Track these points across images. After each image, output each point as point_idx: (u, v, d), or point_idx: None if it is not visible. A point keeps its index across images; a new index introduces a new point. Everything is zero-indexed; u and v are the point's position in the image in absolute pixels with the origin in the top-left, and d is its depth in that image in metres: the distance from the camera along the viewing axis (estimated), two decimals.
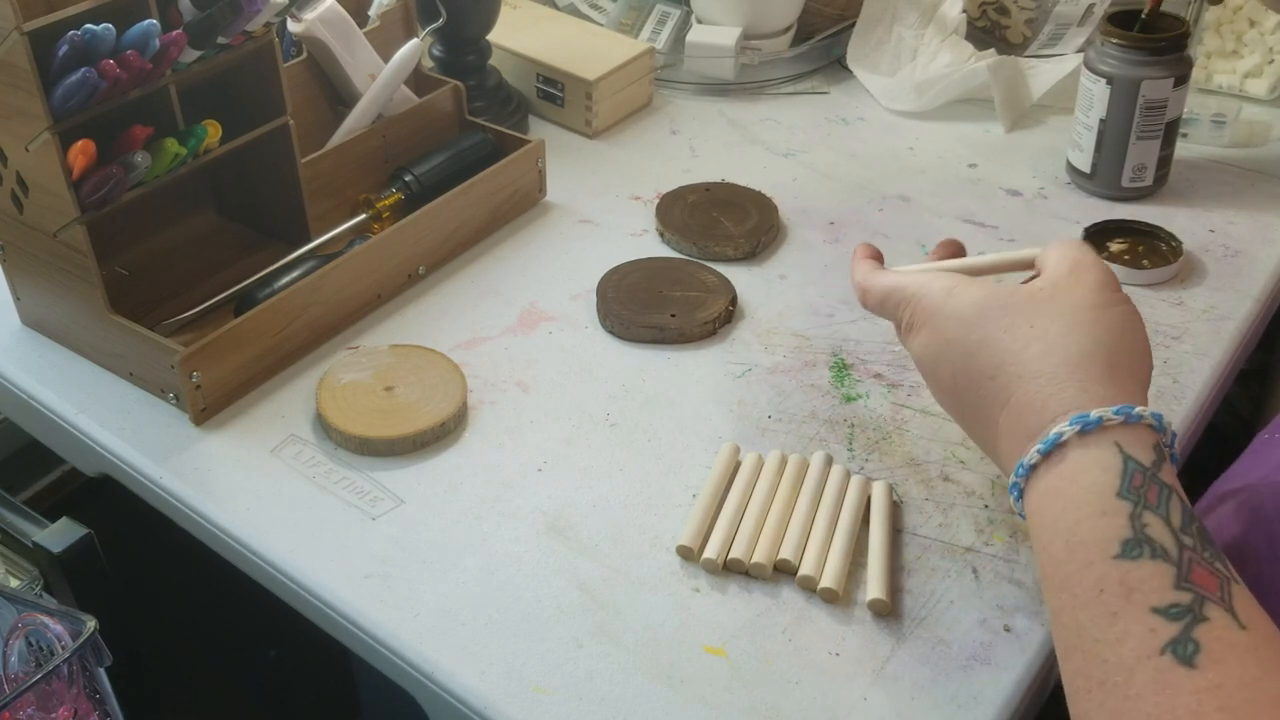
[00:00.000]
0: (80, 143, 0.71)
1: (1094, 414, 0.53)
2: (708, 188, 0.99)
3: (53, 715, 0.59)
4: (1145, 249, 0.91)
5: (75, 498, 1.27)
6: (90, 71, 0.68)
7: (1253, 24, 1.11)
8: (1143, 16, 0.93)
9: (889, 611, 0.65)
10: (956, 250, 0.69)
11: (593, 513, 0.71)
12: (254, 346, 0.79)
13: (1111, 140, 0.96)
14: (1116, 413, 0.52)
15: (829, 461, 0.73)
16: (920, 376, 0.65)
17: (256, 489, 0.73)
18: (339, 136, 0.95)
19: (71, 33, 0.68)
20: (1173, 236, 0.91)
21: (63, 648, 0.60)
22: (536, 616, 0.65)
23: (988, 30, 1.21)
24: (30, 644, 0.62)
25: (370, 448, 0.75)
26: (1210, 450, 0.83)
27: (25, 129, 0.71)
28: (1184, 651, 0.46)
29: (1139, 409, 0.53)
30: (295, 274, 0.84)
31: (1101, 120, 0.95)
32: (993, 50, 1.13)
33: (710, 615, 0.65)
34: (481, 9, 1.04)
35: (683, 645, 0.63)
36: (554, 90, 1.10)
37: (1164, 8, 0.95)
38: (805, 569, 0.66)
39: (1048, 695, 0.64)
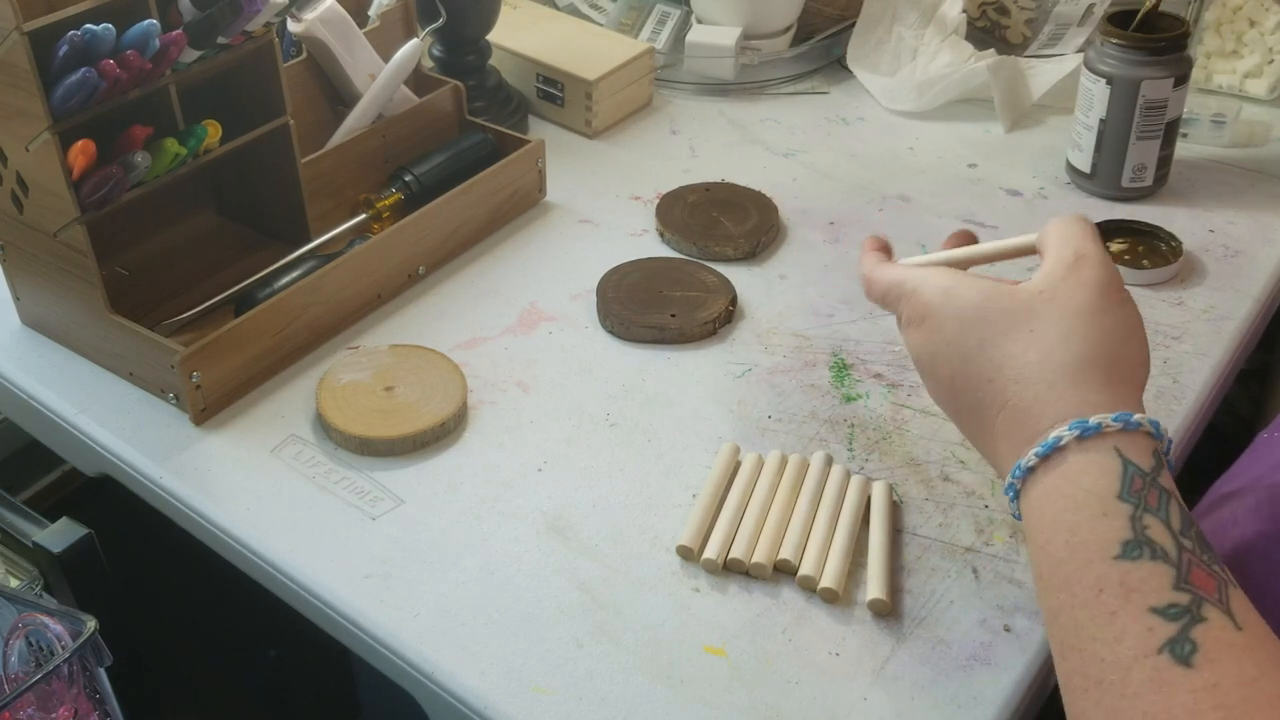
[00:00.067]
0: (80, 143, 0.71)
1: (1093, 420, 0.53)
2: (708, 188, 0.99)
3: (53, 715, 0.59)
4: (1145, 249, 0.91)
5: (75, 498, 1.27)
6: (90, 71, 0.68)
7: (1253, 24, 1.11)
8: (1140, 14, 0.93)
9: (889, 611, 0.65)
10: (967, 240, 0.69)
11: (593, 513, 0.71)
12: (254, 346, 0.79)
13: (1111, 140, 0.96)
14: (1115, 419, 0.53)
15: (829, 461, 0.73)
16: (919, 376, 0.65)
17: (256, 489, 0.73)
18: (339, 136, 0.95)
19: (71, 33, 0.68)
20: (1173, 236, 0.91)
21: (63, 648, 0.60)
22: (536, 616, 0.65)
23: (988, 30, 1.21)
24: (30, 644, 0.62)
25: (370, 448, 0.75)
26: (1210, 450, 0.83)
27: (25, 129, 0.71)
28: (1181, 651, 0.46)
29: (1138, 416, 0.53)
30: (295, 274, 0.84)
31: (1101, 120, 0.95)
32: (993, 50, 1.13)
33: (710, 615, 0.65)
34: (481, 9, 1.04)
35: (683, 645, 0.63)
36: (554, 90, 1.10)
37: (1164, 8, 0.95)
38: (805, 569, 0.66)
39: (1048, 695, 0.64)
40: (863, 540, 0.69)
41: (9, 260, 0.82)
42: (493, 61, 1.08)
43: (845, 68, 1.18)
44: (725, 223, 0.94)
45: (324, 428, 0.76)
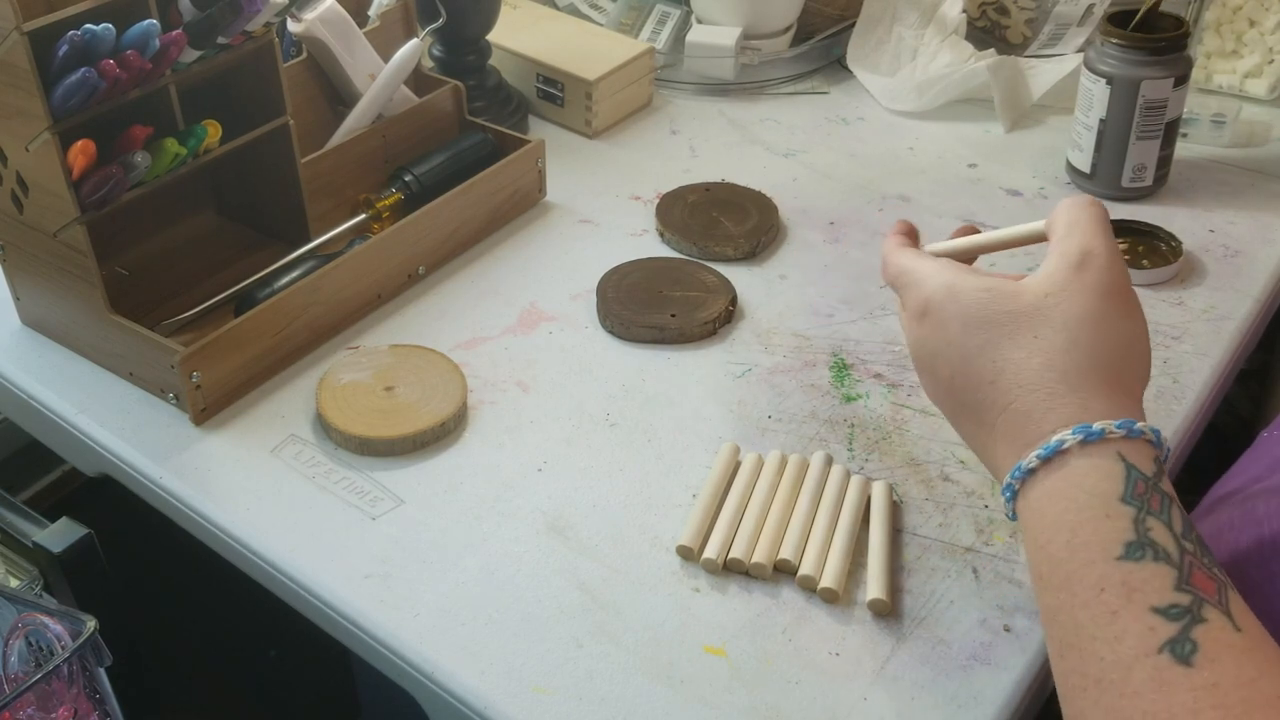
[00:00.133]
0: (80, 143, 0.71)
1: (1097, 425, 0.53)
2: (708, 188, 0.99)
3: (53, 715, 0.59)
4: (1145, 249, 0.91)
5: (75, 498, 1.27)
6: (90, 71, 0.68)
7: (1253, 24, 1.11)
8: (1140, 14, 0.93)
9: (889, 611, 0.65)
10: (970, 233, 0.69)
11: (593, 513, 0.71)
12: (254, 346, 0.79)
13: (1111, 140, 0.96)
14: (1119, 426, 0.53)
15: (829, 461, 0.73)
16: (916, 370, 0.65)
17: (256, 489, 0.73)
18: (339, 136, 0.95)
19: (71, 33, 0.68)
20: (1173, 236, 0.91)
21: (63, 648, 0.60)
22: (536, 616, 0.65)
23: (988, 30, 1.21)
24: (30, 644, 0.62)
25: (370, 448, 0.75)
26: (1210, 450, 0.83)
27: (25, 129, 0.71)
28: (1182, 650, 0.46)
29: (1140, 424, 0.53)
30: (295, 274, 0.84)
31: (1101, 120, 0.95)
32: (993, 50, 1.13)
33: (710, 615, 0.65)
34: (481, 9, 1.04)
35: (683, 645, 0.63)
36: (554, 90, 1.10)
37: (1164, 8, 0.95)
38: (805, 569, 0.66)
39: (1048, 695, 0.64)
40: (863, 540, 0.69)
41: (9, 260, 0.82)
42: (493, 61, 1.08)
43: (845, 68, 1.18)
44: (725, 223, 0.94)
45: (324, 428, 0.76)
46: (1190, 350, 0.83)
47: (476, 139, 0.98)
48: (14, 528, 0.77)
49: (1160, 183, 0.99)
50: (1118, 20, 0.95)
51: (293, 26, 0.92)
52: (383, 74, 0.95)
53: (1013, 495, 0.56)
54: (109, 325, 0.78)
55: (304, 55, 0.94)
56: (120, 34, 0.70)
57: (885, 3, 1.17)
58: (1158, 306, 0.87)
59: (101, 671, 0.61)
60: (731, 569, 0.67)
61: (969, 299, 0.59)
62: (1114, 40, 0.93)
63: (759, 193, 0.98)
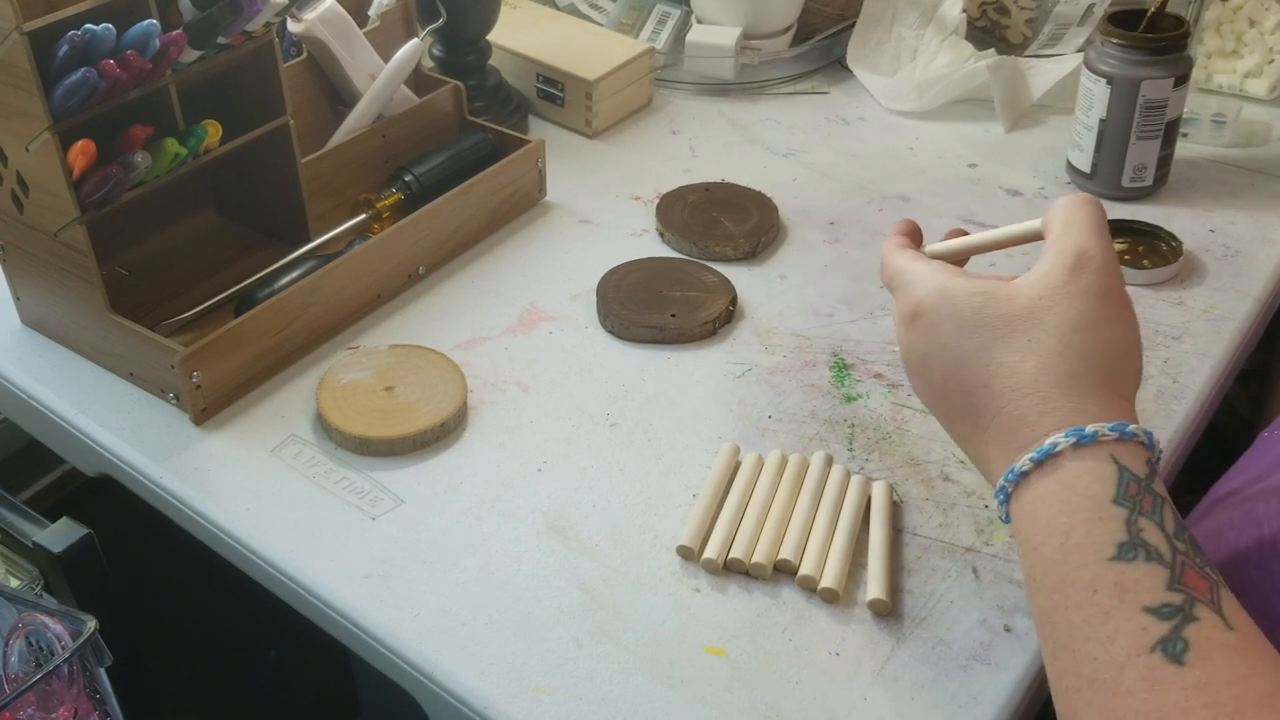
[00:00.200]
0: (80, 143, 0.71)
1: (1090, 429, 0.53)
2: (708, 188, 0.99)
3: (53, 715, 0.59)
4: (1145, 249, 0.91)
5: (75, 498, 1.27)
6: (90, 71, 0.68)
7: (1253, 24, 1.11)
8: (1149, 13, 0.93)
9: (889, 611, 0.65)
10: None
11: (593, 513, 0.71)
12: (254, 346, 0.79)
13: (1111, 140, 0.96)
14: (1112, 429, 0.53)
15: (829, 461, 0.73)
16: (906, 372, 0.65)
17: (256, 489, 0.73)
18: (339, 136, 0.95)
19: (71, 33, 0.68)
20: (1173, 236, 0.91)
21: (63, 648, 0.60)
22: (536, 616, 0.65)
23: (988, 30, 1.21)
24: (30, 644, 0.62)
25: (370, 448, 0.75)
26: (1210, 450, 0.83)
27: (25, 129, 0.71)
28: (1174, 649, 0.46)
29: (1132, 427, 0.54)
30: (295, 274, 0.84)
31: (1101, 120, 0.95)
32: (993, 50, 1.13)
33: (710, 615, 0.65)
34: (481, 9, 1.04)
35: (683, 645, 0.63)
36: (554, 90, 1.10)
37: (1163, 8, 0.95)
38: (805, 569, 0.66)
39: (1047, 695, 0.63)
40: (863, 540, 0.69)
41: (9, 260, 0.82)
42: (493, 61, 1.08)
43: (845, 68, 1.18)
44: (725, 223, 0.94)
45: (324, 428, 0.76)
46: (1190, 350, 0.83)
47: (476, 139, 0.98)
48: (14, 528, 0.77)
49: (1160, 183, 0.99)
50: (1118, 20, 0.95)
51: (293, 26, 0.92)
52: (383, 74, 0.95)
53: (1006, 498, 0.56)
54: (109, 325, 0.78)
55: (304, 55, 0.94)
56: (120, 34, 0.70)
57: (885, 3, 1.17)
58: (1158, 306, 0.87)
59: (101, 671, 0.61)
60: (731, 569, 0.67)
61: (962, 302, 0.59)
62: (1114, 40, 0.93)
63: (759, 193, 0.98)
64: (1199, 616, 0.47)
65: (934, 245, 0.67)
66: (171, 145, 0.76)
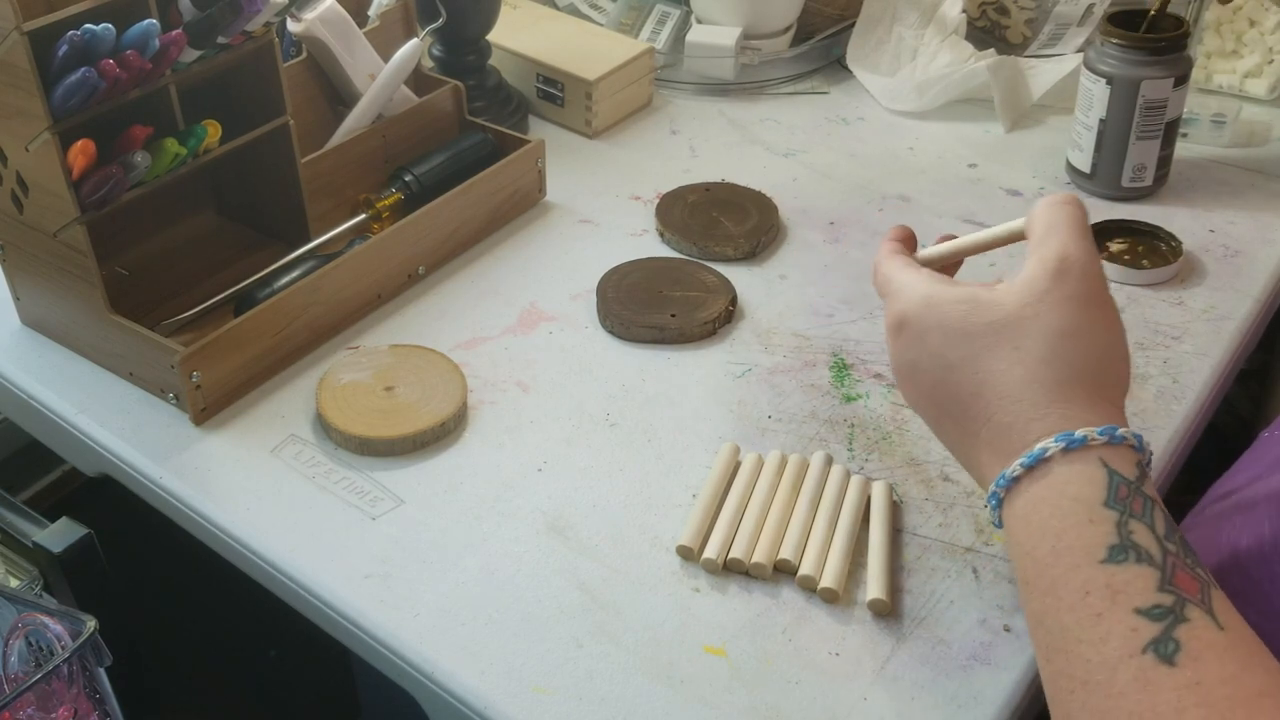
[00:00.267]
0: (80, 143, 0.71)
1: (1079, 433, 0.54)
2: (708, 188, 0.99)
3: (53, 715, 0.59)
4: (1145, 249, 0.91)
5: (75, 498, 1.27)
6: (90, 71, 0.68)
7: (1253, 24, 1.11)
8: (1150, 14, 0.93)
9: (889, 611, 0.65)
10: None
11: (593, 513, 0.71)
12: (254, 346, 0.79)
13: (1111, 140, 0.96)
14: (1101, 433, 0.54)
15: (829, 461, 0.73)
16: (896, 380, 0.65)
17: (256, 489, 0.73)
18: (339, 136, 0.95)
19: (71, 33, 0.68)
20: (1173, 236, 0.91)
21: (63, 648, 0.60)
22: (536, 616, 0.65)
23: (988, 30, 1.21)
24: (30, 644, 0.62)
25: (370, 448, 0.75)
26: (1210, 450, 0.83)
27: (25, 129, 0.71)
28: (1165, 650, 0.47)
29: (1122, 430, 0.54)
30: (295, 274, 0.84)
31: (1101, 120, 0.95)
32: (993, 50, 1.13)
33: (710, 615, 0.65)
34: (481, 9, 1.04)
35: (683, 645, 0.63)
36: (554, 90, 1.10)
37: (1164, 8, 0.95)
38: (805, 569, 0.66)
39: None
40: (863, 540, 0.69)
41: (9, 260, 0.82)
42: (493, 61, 1.08)
43: (845, 68, 1.18)
44: (725, 223, 0.94)
45: (324, 428, 0.76)
46: (1190, 350, 0.83)
47: (476, 139, 0.98)
48: (14, 528, 0.77)
49: (1160, 183, 0.99)
50: (1118, 20, 0.95)
51: (293, 26, 0.92)
52: (383, 74, 0.95)
53: (998, 503, 0.57)
54: (109, 325, 0.78)
55: (304, 55, 0.94)
56: (120, 34, 0.70)
57: (885, 3, 1.17)
58: (1158, 306, 0.87)
59: (101, 671, 0.61)
60: (731, 569, 0.67)
61: (947, 311, 0.59)
62: (1114, 40, 0.93)
63: (759, 193, 0.98)
64: (1190, 617, 0.48)
65: (925, 250, 0.67)
66: (171, 145, 0.76)
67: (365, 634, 0.65)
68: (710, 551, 0.67)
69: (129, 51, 0.70)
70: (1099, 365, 0.57)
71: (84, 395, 0.80)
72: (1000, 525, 0.57)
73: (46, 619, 0.61)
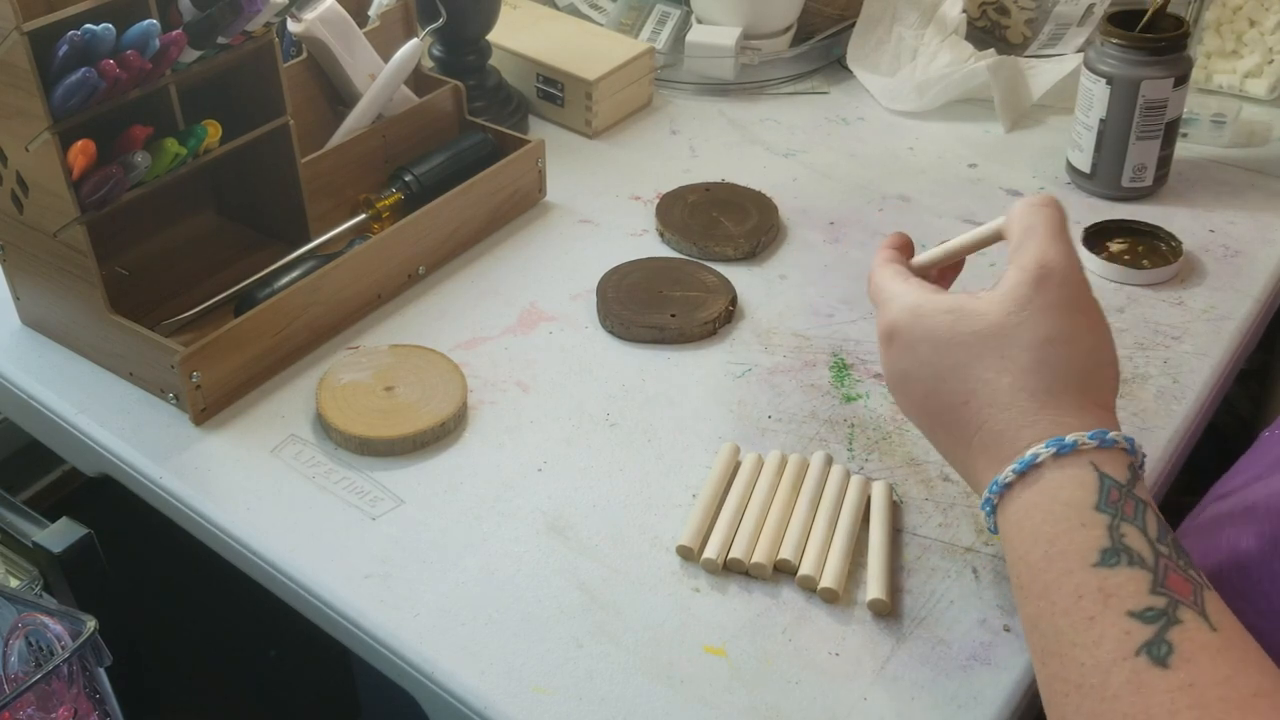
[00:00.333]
0: (80, 143, 0.71)
1: (1070, 438, 0.54)
2: (708, 188, 0.99)
3: (53, 715, 0.59)
4: (1145, 249, 0.91)
5: (75, 498, 1.27)
6: (90, 71, 0.68)
7: (1253, 24, 1.11)
8: (1148, 14, 0.93)
9: (889, 611, 0.65)
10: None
11: (593, 513, 0.71)
12: (254, 346, 0.79)
13: (1111, 140, 0.96)
14: (1092, 437, 0.54)
15: (829, 461, 0.73)
16: (889, 390, 0.66)
17: (256, 489, 0.73)
18: (339, 136, 0.95)
19: (71, 33, 0.68)
20: (1173, 236, 0.91)
21: (63, 648, 0.60)
22: (536, 616, 0.65)
23: (988, 30, 1.21)
24: (30, 644, 0.62)
25: (370, 448, 0.75)
26: (1210, 450, 0.83)
27: (25, 129, 0.71)
28: (1158, 652, 0.47)
29: (1113, 434, 0.54)
30: (295, 274, 0.84)
31: (1101, 120, 0.95)
32: (993, 50, 1.13)
33: (710, 615, 0.65)
34: (481, 9, 1.04)
35: (683, 645, 0.63)
36: (554, 90, 1.10)
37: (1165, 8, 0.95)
38: (805, 569, 0.66)
39: None
40: (863, 540, 0.69)
41: (9, 260, 0.82)
42: (493, 61, 1.08)
43: (845, 68, 1.18)
44: (725, 223, 0.94)
45: (324, 428, 0.76)
46: (1190, 350, 0.83)
47: (476, 139, 0.98)
48: (14, 528, 0.77)
49: (1160, 183, 0.99)
50: (1118, 20, 0.95)
51: (293, 26, 0.92)
52: (383, 74, 0.95)
53: (992, 509, 0.57)
54: (109, 325, 0.78)
55: (304, 55, 0.94)
56: (120, 34, 0.70)
57: (885, 3, 1.17)
58: (1158, 306, 0.87)
59: (101, 671, 0.61)
60: (731, 569, 0.67)
61: (934, 321, 0.60)
62: (1114, 40, 0.93)
63: (759, 193, 0.98)
64: (1182, 619, 0.48)
65: (919, 256, 0.68)
66: (171, 145, 0.76)
67: (365, 634, 0.65)
68: (710, 551, 0.67)
69: (129, 51, 0.70)
70: (1086, 370, 0.57)
71: (84, 395, 0.80)
72: (995, 531, 0.57)
73: (46, 619, 0.61)
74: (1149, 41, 0.92)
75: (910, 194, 1.01)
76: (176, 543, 0.75)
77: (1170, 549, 0.51)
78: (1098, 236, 0.92)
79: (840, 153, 1.07)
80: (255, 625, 1.03)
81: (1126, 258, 0.90)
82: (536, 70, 1.10)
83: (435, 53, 1.07)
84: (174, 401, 0.78)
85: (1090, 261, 0.90)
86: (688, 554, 0.68)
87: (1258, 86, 1.11)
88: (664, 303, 0.86)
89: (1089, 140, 0.97)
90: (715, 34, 1.15)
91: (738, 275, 0.90)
